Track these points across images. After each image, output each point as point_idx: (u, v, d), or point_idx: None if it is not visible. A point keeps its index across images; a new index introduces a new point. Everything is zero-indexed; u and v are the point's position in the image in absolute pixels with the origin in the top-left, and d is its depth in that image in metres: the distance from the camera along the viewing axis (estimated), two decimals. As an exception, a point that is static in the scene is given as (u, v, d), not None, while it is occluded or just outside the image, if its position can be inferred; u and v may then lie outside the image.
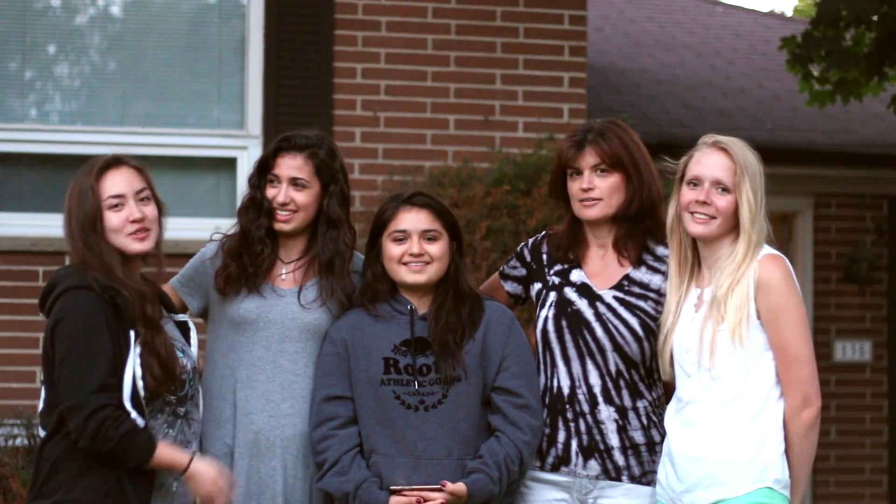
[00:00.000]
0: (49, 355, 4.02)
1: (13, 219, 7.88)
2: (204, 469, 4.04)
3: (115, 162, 4.17)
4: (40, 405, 4.09)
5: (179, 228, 7.93)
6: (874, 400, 10.85)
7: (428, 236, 4.30)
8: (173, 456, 4.03)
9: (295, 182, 4.42)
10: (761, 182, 4.11)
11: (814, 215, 10.85)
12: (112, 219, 4.12)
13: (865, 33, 9.34)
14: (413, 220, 4.31)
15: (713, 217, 4.11)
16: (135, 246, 4.13)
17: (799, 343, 4.03)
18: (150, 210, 4.18)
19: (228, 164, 8.10)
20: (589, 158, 4.35)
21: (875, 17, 8.89)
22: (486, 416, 4.25)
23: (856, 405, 10.81)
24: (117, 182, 4.13)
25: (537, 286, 4.46)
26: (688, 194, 4.16)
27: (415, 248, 4.28)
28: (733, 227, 4.13)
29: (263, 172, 4.46)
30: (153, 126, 8.09)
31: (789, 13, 23.14)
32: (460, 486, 4.07)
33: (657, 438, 4.33)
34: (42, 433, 4.08)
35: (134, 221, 4.13)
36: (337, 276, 4.42)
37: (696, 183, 4.15)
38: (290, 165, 4.42)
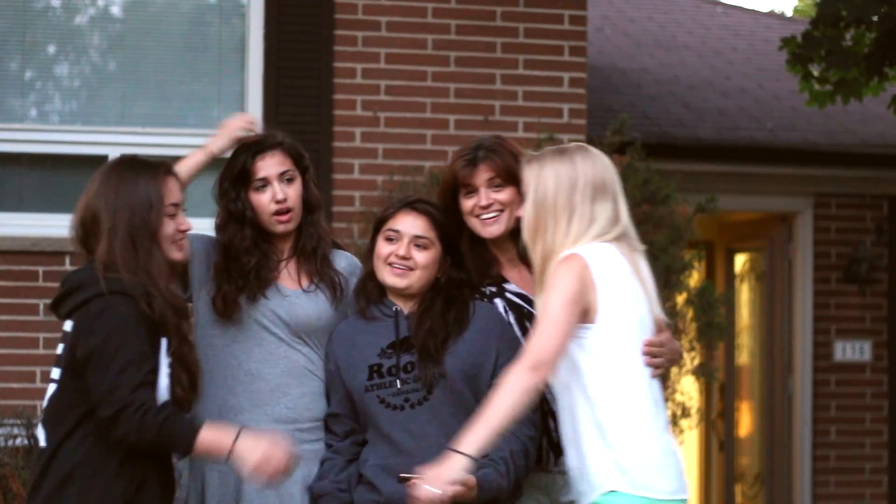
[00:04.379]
0: (77, 356, 3.93)
1: (13, 219, 7.88)
2: (250, 446, 3.90)
3: (170, 169, 4.15)
4: (45, 404, 4.02)
5: (179, 228, 7.96)
6: (874, 400, 10.85)
7: (419, 243, 4.30)
8: (216, 440, 3.89)
9: (283, 176, 4.43)
10: (559, 189, 3.98)
11: (814, 215, 10.84)
12: (169, 226, 4.07)
13: (865, 33, 9.33)
14: (409, 223, 4.31)
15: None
16: (177, 255, 4.12)
17: (544, 312, 3.89)
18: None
19: (228, 164, 8.10)
20: (483, 174, 4.35)
21: (875, 17, 8.89)
22: (476, 411, 4.23)
23: (856, 405, 10.81)
24: (174, 190, 4.11)
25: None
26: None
27: (402, 251, 4.28)
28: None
29: (243, 182, 4.44)
30: (153, 126, 8.09)
31: (789, 13, 23.14)
32: (470, 477, 4.06)
33: None
34: (44, 434, 3.99)
35: (183, 231, 4.13)
36: (320, 260, 4.44)
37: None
38: (273, 163, 4.43)
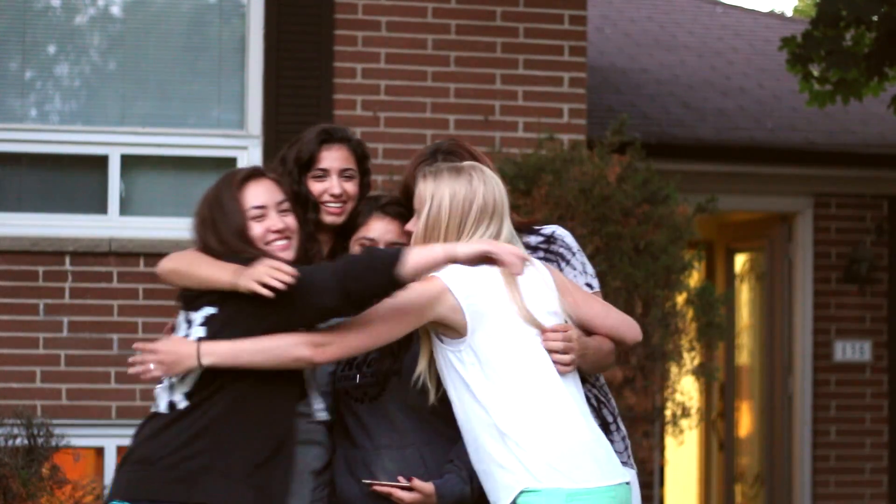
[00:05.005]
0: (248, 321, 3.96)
1: (13, 219, 7.88)
2: (469, 243, 3.93)
3: (256, 174, 4.18)
4: (183, 384, 3.97)
5: (179, 228, 7.95)
6: (874, 400, 10.85)
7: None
8: (425, 250, 3.89)
9: (343, 172, 4.40)
10: (454, 206, 4.02)
11: (814, 215, 10.84)
12: (255, 229, 4.11)
13: (865, 33, 9.33)
14: (383, 229, 4.29)
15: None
16: (279, 255, 4.11)
17: (372, 310, 3.95)
18: (292, 220, 4.18)
19: (228, 164, 8.09)
20: None
21: (875, 17, 8.89)
22: (427, 410, 4.18)
23: (856, 405, 10.81)
24: (259, 193, 4.13)
25: None
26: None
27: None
28: None
29: (305, 167, 4.42)
30: (153, 126, 8.09)
31: (789, 13, 23.14)
32: (427, 485, 4.06)
33: (609, 418, 4.28)
34: (183, 402, 3.95)
35: (276, 231, 4.12)
36: None
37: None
38: (338, 157, 4.41)
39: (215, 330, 3.95)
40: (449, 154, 4.35)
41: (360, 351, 3.95)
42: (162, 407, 3.99)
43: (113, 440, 7.84)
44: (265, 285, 3.81)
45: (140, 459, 3.95)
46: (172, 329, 4.10)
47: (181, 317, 4.06)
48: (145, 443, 3.98)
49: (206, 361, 3.89)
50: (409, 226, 4.13)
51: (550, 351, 3.95)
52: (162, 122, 8.13)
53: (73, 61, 8.18)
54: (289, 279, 3.81)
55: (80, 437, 7.57)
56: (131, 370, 3.90)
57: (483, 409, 3.91)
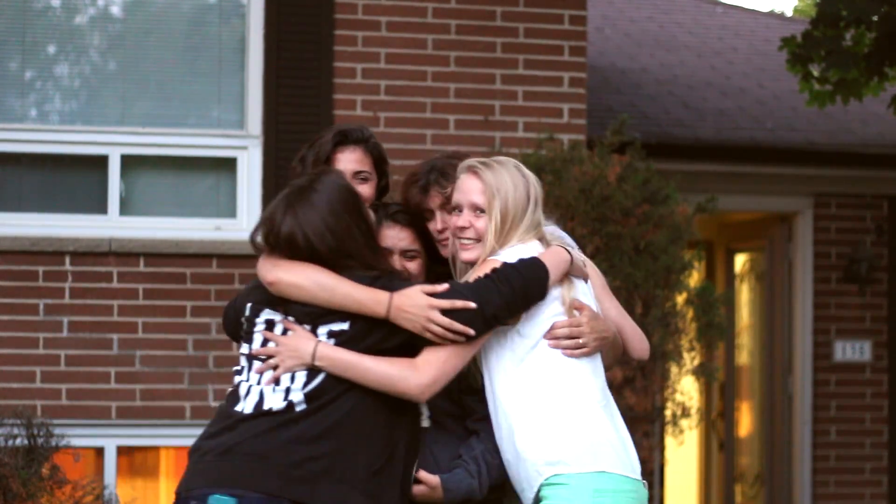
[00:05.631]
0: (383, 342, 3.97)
1: (13, 219, 7.88)
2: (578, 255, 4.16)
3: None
4: (314, 386, 3.93)
5: (179, 228, 7.96)
6: (874, 400, 10.85)
7: (408, 255, 4.28)
8: (556, 253, 4.06)
9: (357, 175, 4.34)
10: (518, 197, 4.09)
11: (814, 215, 10.84)
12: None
13: (865, 33, 9.33)
14: (395, 237, 4.27)
15: (478, 240, 4.12)
16: (396, 266, 4.18)
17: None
18: None
19: (228, 164, 8.10)
20: (436, 199, 4.30)
21: (875, 17, 8.89)
22: (435, 410, 4.21)
23: (856, 405, 10.82)
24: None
25: None
26: (450, 220, 4.21)
27: (396, 267, 4.26)
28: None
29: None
30: (153, 126, 8.09)
31: (789, 13, 23.14)
32: (433, 478, 4.07)
33: None
34: (303, 406, 3.91)
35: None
36: None
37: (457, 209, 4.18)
38: (352, 159, 4.35)
39: (342, 342, 3.94)
40: (441, 174, 4.33)
41: (453, 375, 4.00)
42: (276, 405, 3.92)
43: (113, 440, 7.84)
44: (444, 335, 3.90)
45: (252, 453, 3.88)
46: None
47: (275, 318, 4.00)
48: (257, 438, 3.91)
49: (318, 363, 3.89)
50: (482, 224, 4.09)
51: (554, 338, 4.01)
52: (162, 122, 8.13)
53: (73, 61, 8.18)
54: (471, 332, 3.91)
55: (80, 437, 7.57)
56: (265, 380, 3.92)
57: (519, 391, 3.99)
